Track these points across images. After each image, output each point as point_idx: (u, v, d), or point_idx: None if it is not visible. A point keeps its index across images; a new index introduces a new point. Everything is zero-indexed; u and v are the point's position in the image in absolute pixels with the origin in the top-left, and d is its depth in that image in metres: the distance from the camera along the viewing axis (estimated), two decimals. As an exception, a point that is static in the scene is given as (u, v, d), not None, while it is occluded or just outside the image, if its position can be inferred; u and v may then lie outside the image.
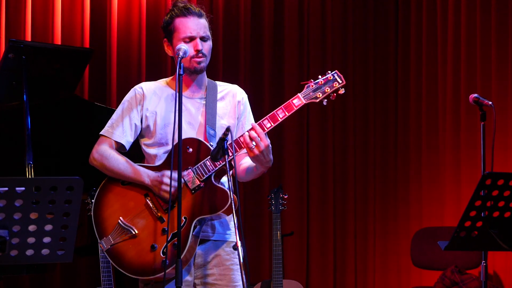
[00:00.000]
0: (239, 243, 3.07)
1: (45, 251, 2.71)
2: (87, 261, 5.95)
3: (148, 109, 3.48)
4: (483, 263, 3.86)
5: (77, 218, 2.71)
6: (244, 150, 3.34)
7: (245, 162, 3.50)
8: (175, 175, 3.20)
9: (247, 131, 3.30)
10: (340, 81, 3.38)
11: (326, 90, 3.37)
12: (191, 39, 3.41)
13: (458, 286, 5.88)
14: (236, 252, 3.19)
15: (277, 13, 6.94)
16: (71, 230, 2.71)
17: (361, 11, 7.11)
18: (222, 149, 3.19)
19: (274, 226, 5.63)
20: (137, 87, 3.54)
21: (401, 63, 7.00)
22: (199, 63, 3.43)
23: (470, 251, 5.65)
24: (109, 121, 3.50)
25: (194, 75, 3.48)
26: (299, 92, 3.37)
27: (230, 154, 3.19)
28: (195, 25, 3.41)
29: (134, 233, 3.36)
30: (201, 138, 3.40)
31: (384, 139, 7.03)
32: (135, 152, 3.61)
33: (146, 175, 3.37)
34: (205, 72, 3.51)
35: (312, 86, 3.37)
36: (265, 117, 3.33)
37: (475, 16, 6.48)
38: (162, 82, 3.57)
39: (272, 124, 3.32)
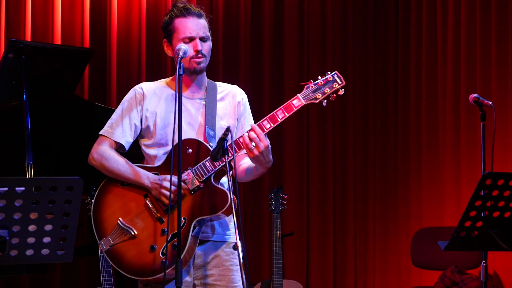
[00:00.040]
0: (239, 243, 3.07)
1: (45, 251, 2.71)
2: (87, 261, 5.96)
3: (148, 109, 3.48)
4: (483, 263, 3.86)
5: (77, 218, 2.71)
6: (244, 151, 3.34)
7: (244, 162, 3.50)
8: (175, 179, 3.20)
9: (247, 132, 3.30)
10: (340, 82, 3.38)
11: (326, 91, 3.36)
12: (191, 39, 3.41)
13: (458, 286, 5.88)
14: (236, 252, 3.19)
15: (277, 13, 6.94)
16: (71, 230, 2.71)
17: (361, 11, 7.11)
18: (222, 149, 3.19)
19: (274, 226, 5.63)
20: (137, 87, 3.54)
21: (401, 63, 7.00)
22: (198, 63, 3.43)
23: (470, 251, 5.65)
24: (109, 121, 3.50)
25: (194, 76, 3.48)
26: (299, 93, 3.36)
27: (230, 154, 3.19)
28: (195, 26, 3.41)
29: (133, 233, 3.36)
30: (201, 139, 3.40)
31: (384, 139, 7.03)
32: (134, 153, 3.60)
33: (146, 177, 3.37)
34: (205, 73, 3.51)
35: (312, 87, 3.37)
36: (265, 118, 3.33)
37: (475, 16, 6.48)
38: (162, 82, 3.57)
39: (272, 125, 3.32)
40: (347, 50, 7.06)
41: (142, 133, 3.51)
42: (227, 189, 3.32)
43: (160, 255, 3.29)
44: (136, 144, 3.54)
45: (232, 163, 3.25)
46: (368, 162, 7.03)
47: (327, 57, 7.00)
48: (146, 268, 3.31)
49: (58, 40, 6.15)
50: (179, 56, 3.31)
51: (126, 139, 3.47)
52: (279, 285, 5.55)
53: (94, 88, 6.34)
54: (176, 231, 3.23)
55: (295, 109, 3.34)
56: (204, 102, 3.50)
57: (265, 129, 3.31)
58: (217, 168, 3.31)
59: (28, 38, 6.06)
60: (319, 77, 3.38)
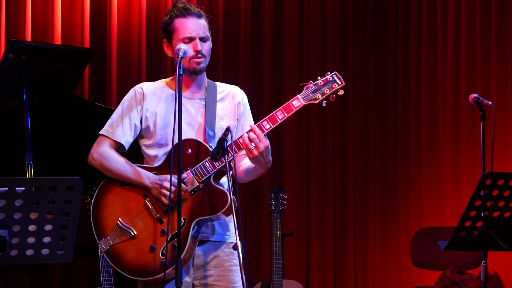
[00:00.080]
0: (239, 244, 3.07)
1: (45, 251, 2.71)
2: (87, 261, 5.96)
3: (148, 109, 3.48)
4: (483, 263, 3.86)
5: (77, 218, 2.71)
6: (244, 151, 3.34)
7: (244, 163, 3.50)
8: (175, 179, 3.20)
9: (246, 132, 3.30)
10: (340, 83, 3.38)
11: (326, 92, 3.36)
12: (191, 39, 3.41)
13: (458, 286, 5.89)
14: (235, 253, 3.19)
15: (277, 13, 6.94)
16: (71, 230, 2.71)
17: (361, 11, 7.12)
18: (222, 149, 3.19)
19: (274, 226, 5.63)
20: (137, 87, 3.54)
21: (401, 63, 7.00)
22: (198, 63, 3.43)
23: (470, 251, 5.65)
24: (109, 121, 3.50)
25: (194, 76, 3.48)
26: (299, 93, 3.36)
27: (230, 154, 3.19)
28: (195, 26, 3.41)
29: (133, 234, 3.36)
30: (201, 139, 3.40)
31: (384, 139, 7.03)
32: (134, 153, 3.60)
33: (146, 176, 3.37)
34: (204, 73, 3.51)
35: (312, 87, 3.37)
36: (264, 119, 3.33)
37: (475, 16, 6.48)
38: (161, 82, 3.57)
39: (271, 125, 3.32)
40: (347, 50, 7.07)
41: (142, 133, 3.51)
42: (227, 190, 3.32)
43: (160, 255, 3.29)
44: (135, 144, 3.54)
45: (232, 164, 3.25)
46: (368, 162, 7.04)
47: (327, 57, 7.00)
48: (146, 268, 3.31)
49: (58, 40, 6.16)
50: (179, 56, 3.31)
51: (126, 139, 3.47)
52: (279, 285, 5.55)
53: (94, 88, 6.34)
54: (175, 231, 3.23)
55: (294, 110, 3.34)
56: (204, 103, 3.50)
57: (265, 130, 3.31)
58: (217, 169, 3.31)
59: (28, 38, 6.06)
60: (319, 77, 3.38)
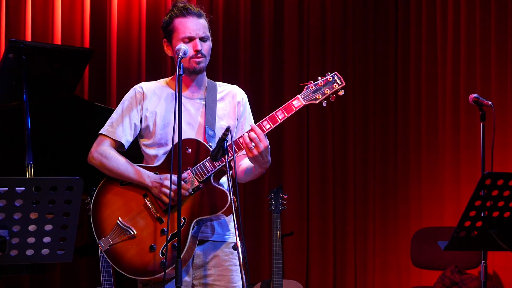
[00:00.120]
0: (239, 243, 3.07)
1: (45, 251, 2.72)
2: (87, 261, 5.96)
3: (148, 109, 3.48)
4: (483, 263, 3.86)
5: (77, 218, 2.71)
6: (243, 152, 3.34)
7: (243, 163, 3.50)
8: (175, 178, 3.20)
9: (247, 132, 3.30)
10: (340, 83, 3.38)
11: (326, 92, 3.37)
12: (191, 39, 3.41)
13: (458, 286, 5.89)
14: (235, 252, 3.19)
15: (277, 13, 6.94)
16: (71, 230, 2.71)
17: (361, 11, 7.12)
18: (222, 149, 3.19)
19: (274, 226, 5.63)
20: (137, 86, 3.54)
21: (401, 63, 7.00)
22: (198, 63, 3.43)
23: (470, 251, 5.65)
24: (109, 120, 3.50)
25: (194, 75, 3.48)
26: (299, 93, 3.37)
27: (230, 154, 3.19)
28: (195, 26, 3.41)
29: (133, 233, 3.36)
30: (200, 139, 3.40)
31: (384, 139, 7.03)
32: (134, 153, 3.60)
33: (146, 176, 3.37)
34: (204, 72, 3.51)
35: (312, 87, 3.37)
36: (265, 118, 3.33)
37: (475, 16, 6.48)
38: (161, 82, 3.57)
39: (272, 125, 3.33)
40: (347, 50, 7.07)
41: (142, 133, 3.51)
42: (226, 189, 3.32)
43: (160, 255, 3.29)
44: (135, 144, 3.54)
45: (232, 163, 3.25)
46: (368, 162, 7.03)
47: (327, 57, 7.00)
48: (146, 267, 3.31)
49: (58, 40, 6.16)
50: (179, 56, 3.31)
51: (126, 138, 3.47)
52: (279, 285, 5.56)
53: (94, 88, 6.34)
54: (175, 231, 3.24)
55: (295, 110, 3.34)
56: (204, 102, 3.50)
57: (265, 130, 3.31)
58: (217, 168, 3.32)
59: (28, 38, 6.07)
60: (319, 77, 3.39)
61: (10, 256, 2.67)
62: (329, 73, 3.40)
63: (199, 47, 3.40)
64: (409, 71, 6.92)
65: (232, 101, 3.54)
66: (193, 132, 3.44)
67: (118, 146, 3.48)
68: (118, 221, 3.38)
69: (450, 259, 6.03)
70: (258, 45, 6.88)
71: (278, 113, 3.34)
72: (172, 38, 3.44)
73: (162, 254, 3.28)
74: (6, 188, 2.59)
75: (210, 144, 3.39)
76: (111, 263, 3.38)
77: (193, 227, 3.31)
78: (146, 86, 3.53)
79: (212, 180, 3.33)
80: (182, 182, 3.28)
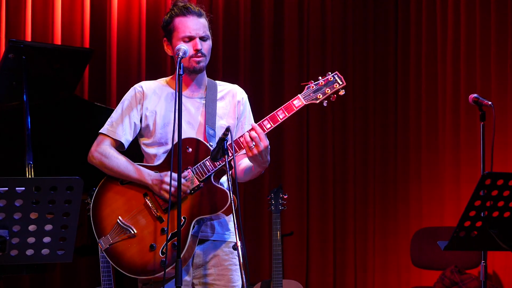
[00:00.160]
0: (239, 243, 3.07)
1: (45, 251, 2.72)
2: (87, 261, 5.96)
3: (148, 108, 3.48)
4: (483, 263, 3.86)
5: (77, 218, 2.71)
6: (243, 151, 3.34)
7: (243, 162, 3.50)
8: (175, 175, 3.20)
9: (247, 131, 3.30)
10: (341, 83, 3.38)
11: (327, 91, 3.37)
12: (191, 38, 3.41)
13: (458, 286, 5.89)
14: (235, 252, 3.19)
15: (277, 13, 6.94)
16: (71, 230, 2.71)
17: (361, 11, 7.12)
18: (222, 149, 3.19)
19: (274, 226, 5.63)
20: (137, 86, 3.54)
21: (401, 63, 7.00)
22: (198, 62, 3.43)
23: (469, 251, 5.65)
24: (109, 120, 3.50)
25: (194, 75, 3.48)
26: (299, 93, 3.37)
27: (230, 154, 3.19)
28: (195, 25, 3.41)
29: (133, 232, 3.36)
30: (201, 138, 3.41)
31: (384, 139, 7.03)
32: (133, 152, 3.60)
33: (147, 174, 3.38)
34: (205, 72, 3.51)
35: (313, 87, 3.37)
36: (265, 118, 3.33)
37: (475, 16, 6.48)
38: (161, 81, 3.57)
39: (272, 124, 3.33)
40: (347, 50, 7.07)
41: (142, 132, 3.51)
42: (227, 189, 3.32)
43: (160, 254, 3.29)
44: (135, 144, 3.54)
45: (232, 163, 3.25)
46: (368, 162, 7.03)
47: (327, 57, 7.00)
48: (146, 267, 3.31)
49: (58, 40, 6.16)
50: (179, 56, 3.31)
51: (126, 138, 3.47)
52: (279, 285, 5.56)
53: (94, 88, 6.34)
54: (175, 230, 3.23)
55: (295, 109, 3.34)
56: (204, 101, 3.50)
57: (266, 129, 3.31)
58: (217, 168, 3.32)
59: (28, 38, 6.07)
60: (320, 77, 3.39)
61: (10, 256, 2.68)
62: (330, 73, 3.40)
63: (199, 46, 3.40)
64: (409, 71, 6.92)
65: (232, 100, 3.54)
66: (193, 131, 3.44)
67: (118, 146, 3.48)
68: (118, 220, 3.38)
69: (450, 259, 6.03)
70: (258, 45, 6.88)
71: (278, 113, 3.34)
72: (172, 37, 3.44)
73: (162, 253, 3.28)
74: (6, 188, 2.59)
75: (211, 143, 3.39)
76: (111, 262, 3.38)
77: (193, 227, 3.31)
78: (146, 85, 3.53)
79: (212, 179, 3.33)
80: (183, 180, 3.28)
